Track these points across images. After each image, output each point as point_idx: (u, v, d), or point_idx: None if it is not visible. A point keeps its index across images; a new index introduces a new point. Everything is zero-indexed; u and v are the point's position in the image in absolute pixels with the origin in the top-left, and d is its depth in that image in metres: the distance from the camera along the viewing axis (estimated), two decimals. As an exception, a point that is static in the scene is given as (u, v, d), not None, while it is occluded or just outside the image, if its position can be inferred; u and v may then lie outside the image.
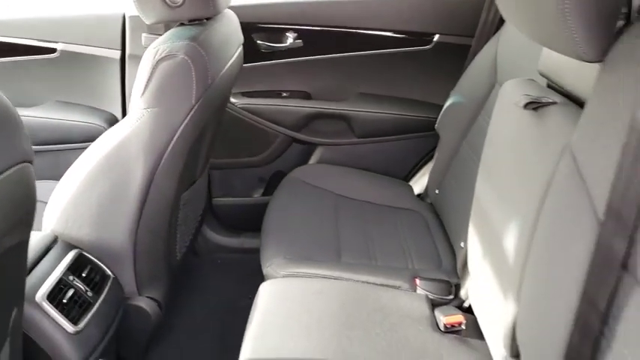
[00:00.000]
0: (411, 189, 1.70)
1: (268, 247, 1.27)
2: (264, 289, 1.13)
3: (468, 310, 1.15)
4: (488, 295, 0.98)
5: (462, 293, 1.22)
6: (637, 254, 0.57)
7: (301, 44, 1.64)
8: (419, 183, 1.76)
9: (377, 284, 1.19)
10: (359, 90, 1.72)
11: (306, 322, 1.02)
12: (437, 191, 1.53)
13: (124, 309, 1.13)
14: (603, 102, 0.66)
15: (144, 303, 1.17)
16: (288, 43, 1.63)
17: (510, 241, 0.88)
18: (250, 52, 1.58)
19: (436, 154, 1.58)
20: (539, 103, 0.83)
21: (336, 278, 1.19)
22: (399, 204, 1.56)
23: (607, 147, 0.60)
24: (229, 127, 1.67)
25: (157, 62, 1.00)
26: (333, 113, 1.70)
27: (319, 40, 1.64)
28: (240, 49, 1.35)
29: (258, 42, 1.64)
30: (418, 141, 1.73)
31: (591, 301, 0.60)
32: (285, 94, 1.70)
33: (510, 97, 0.95)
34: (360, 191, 1.57)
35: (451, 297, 1.20)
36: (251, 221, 1.64)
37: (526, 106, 0.84)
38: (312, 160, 1.76)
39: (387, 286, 1.20)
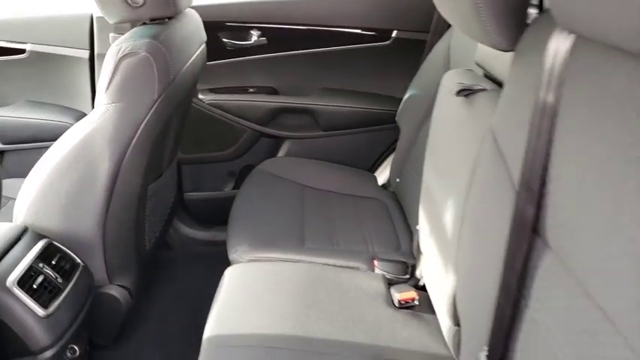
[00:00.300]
0: (375, 179, 1.77)
1: (234, 235, 1.34)
2: (229, 273, 1.19)
3: (423, 289, 1.22)
4: (435, 270, 1.06)
5: (418, 273, 1.29)
6: (545, 219, 0.64)
7: (265, 42, 1.70)
8: (383, 174, 1.84)
9: (337, 266, 1.26)
10: (323, 85, 1.79)
11: (268, 302, 1.09)
12: (398, 180, 1.61)
13: (95, 297, 1.17)
14: (515, 86, 0.74)
15: (114, 291, 1.22)
16: (252, 41, 1.70)
17: (448, 217, 0.96)
18: (217, 49, 1.64)
19: (397, 145, 1.66)
20: (469, 90, 0.91)
21: (298, 262, 1.26)
22: (363, 193, 1.63)
23: (519, 126, 0.68)
24: (198, 123, 1.73)
25: (120, 59, 1.06)
26: (299, 107, 1.77)
27: (283, 37, 1.71)
28: (203, 47, 1.41)
29: (224, 40, 1.70)
30: (381, 133, 1.81)
31: (511, 264, 0.67)
32: (251, 90, 1.76)
33: (449, 86, 1.03)
34: (325, 182, 1.64)
35: (407, 276, 1.27)
36: (222, 214, 1.69)
37: (458, 93, 0.92)
38: (280, 153, 1.83)
39: (346, 267, 1.27)
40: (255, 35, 1.70)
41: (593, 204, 0.54)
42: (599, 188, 0.53)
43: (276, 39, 1.71)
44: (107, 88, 1.07)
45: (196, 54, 1.31)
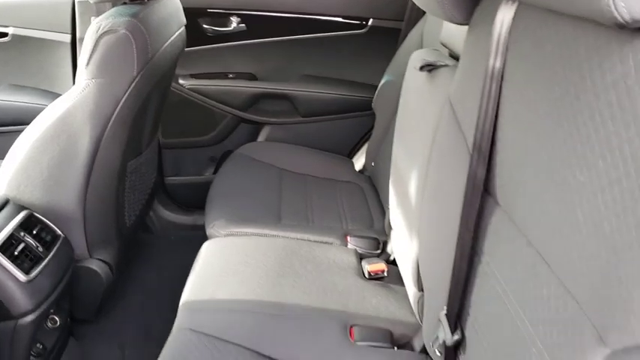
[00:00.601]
0: (352, 164, 1.82)
1: (212, 211, 1.38)
2: (206, 247, 1.23)
3: (394, 264, 1.28)
4: (402, 240, 1.12)
5: (389, 249, 1.35)
6: (494, 179, 0.69)
7: (245, 28, 1.75)
8: (360, 159, 1.89)
9: (311, 241, 1.31)
10: (301, 72, 1.84)
11: (243, 271, 1.13)
12: (373, 164, 1.66)
13: (75, 270, 1.21)
14: (469, 57, 0.79)
15: (95, 265, 1.25)
16: (232, 28, 1.74)
17: (412, 187, 1.01)
18: (197, 36, 1.68)
19: (373, 131, 1.71)
20: (432, 65, 0.97)
21: (274, 237, 1.30)
22: (340, 177, 1.68)
23: (472, 94, 0.73)
24: (179, 109, 1.76)
25: (100, 36, 1.09)
26: (278, 93, 1.81)
27: (262, 24, 1.76)
28: (182, 30, 1.45)
29: (204, 26, 1.74)
30: (358, 120, 1.86)
31: (465, 223, 0.72)
32: (231, 76, 1.80)
33: (416, 63, 1.09)
34: (303, 166, 1.68)
35: (378, 252, 1.33)
36: (202, 199, 1.72)
37: (421, 68, 0.98)
38: (260, 138, 1.87)
39: (320, 242, 1.32)
40: (234, 22, 1.74)
41: (532, 159, 0.59)
42: (537, 144, 0.58)
43: (256, 26, 1.75)
44: (87, 64, 1.10)
45: (175, 35, 1.35)
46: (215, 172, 1.90)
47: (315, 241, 1.31)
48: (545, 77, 0.57)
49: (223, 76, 1.80)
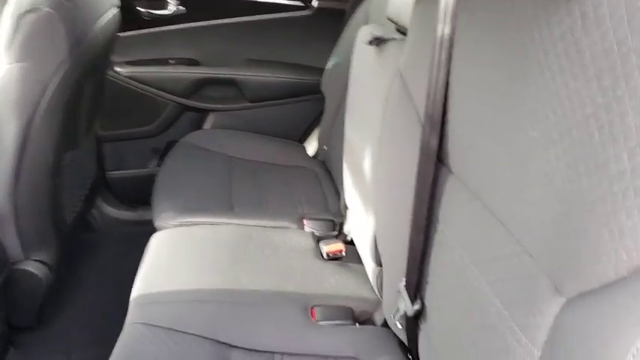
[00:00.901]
0: (304, 149, 1.79)
1: (159, 204, 1.31)
2: (155, 239, 1.17)
3: (351, 244, 1.26)
4: (358, 218, 1.10)
5: (345, 229, 1.33)
6: (447, 147, 0.69)
7: (184, 11, 1.67)
8: (312, 144, 1.86)
9: (267, 227, 1.27)
10: (246, 55, 1.78)
11: (196, 261, 1.08)
12: (325, 147, 1.64)
13: (10, 274, 1.11)
14: (418, 27, 0.78)
15: (31, 266, 1.16)
16: (170, 10, 1.65)
17: (366, 163, 1.00)
18: (132, 20, 1.59)
19: (323, 114, 1.69)
20: (380, 39, 0.95)
21: (227, 224, 1.25)
22: (292, 163, 1.64)
23: (422, 63, 0.72)
24: (116, 98, 1.66)
25: (21, 15, 1.00)
26: (223, 78, 1.75)
27: (203, 6, 1.68)
28: (116, 11, 1.35)
29: (140, 9, 1.64)
30: (309, 103, 1.82)
31: (420, 194, 0.71)
32: (171, 62, 1.72)
33: (364, 38, 1.07)
34: (254, 153, 1.63)
35: (335, 233, 1.31)
36: (147, 193, 1.64)
37: (370, 42, 0.96)
38: (206, 126, 1.80)
39: (276, 227, 1.28)
40: (173, 4, 1.66)
41: (484, 123, 0.59)
42: (489, 107, 0.58)
43: (197, 8, 1.68)
44: (8, 46, 1.00)
45: (107, 16, 1.26)
46: (159, 164, 1.81)
47: (270, 227, 1.28)
48: (495, 40, 0.57)
49: (163, 62, 1.72)
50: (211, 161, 1.54)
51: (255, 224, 1.28)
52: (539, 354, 0.50)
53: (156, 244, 1.15)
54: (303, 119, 1.86)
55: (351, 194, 1.16)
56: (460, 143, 0.65)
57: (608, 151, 0.41)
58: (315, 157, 1.74)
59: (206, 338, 0.87)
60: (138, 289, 0.99)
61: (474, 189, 0.62)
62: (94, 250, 1.64)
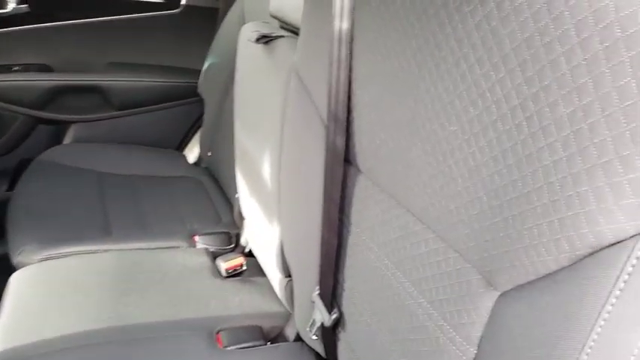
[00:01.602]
0: (184, 157, 1.67)
1: (16, 235, 1.10)
2: (15, 279, 0.97)
3: (251, 255, 1.19)
4: (259, 229, 1.03)
5: (243, 240, 1.25)
6: (354, 146, 0.65)
7: (27, 9, 1.44)
8: (193, 151, 1.74)
9: (153, 249, 1.14)
10: (109, 59, 1.60)
11: (72, 299, 0.92)
12: (209, 154, 1.54)
13: None
14: (311, 23, 0.73)
15: None
16: (9, 9, 1.42)
17: (266, 170, 0.93)
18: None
19: (204, 118, 1.58)
20: (268, 37, 0.89)
21: (105, 252, 1.10)
22: (173, 173, 1.51)
23: (320, 60, 0.68)
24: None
25: None
26: (83, 85, 1.55)
27: (51, 4, 1.47)
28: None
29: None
30: (185, 108, 1.70)
31: (330, 196, 0.67)
32: (16, 68, 1.48)
33: (248, 37, 1.00)
34: (128, 166, 1.47)
35: (232, 246, 1.22)
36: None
37: (258, 40, 0.89)
38: (66, 140, 1.58)
39: (165, 248, 1.15)
40: (12, 2, 1.42)
41: (393, 118, 0.56)
42: (397, 101, 0.55)
43: (43, 6, 1.46)
44: None
45: None
46: (11, 188, 1.55)
47: (157, 249, 1.15)
48: (399, 31, 0.54)
49: (6, 69, 1.47)
50: (77, 180, 1.35)
51: (140, 247, 1.14)
52: (474, 351, 0.49)
53: (17, 285, 0.95)
54: (180, 125, 1.73)
55: (248, 202, 1.09)
56: (368, 141, 0.63)
57: (540, 142, 0.40)
58: (197, 164, 1.63)
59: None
60: (0, 343, 0.81)
61: (386, 187, 0.60)
62: None
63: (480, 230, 0.46)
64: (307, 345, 0.88)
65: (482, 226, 0.46)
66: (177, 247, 1.17)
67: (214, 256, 1.15)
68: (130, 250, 1.11)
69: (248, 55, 1.03)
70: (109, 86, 1.57)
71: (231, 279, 1.08)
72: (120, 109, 1.62)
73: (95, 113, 1.59)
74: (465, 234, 0.48)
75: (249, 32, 1.02)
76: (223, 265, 1.09)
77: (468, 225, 0.48)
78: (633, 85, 0.33)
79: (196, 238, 1.20)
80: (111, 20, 1.55)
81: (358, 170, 0.66)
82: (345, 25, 0.61)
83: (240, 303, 1.00)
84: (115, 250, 1.10)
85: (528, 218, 0.41)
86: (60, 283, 0.96)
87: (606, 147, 0.35)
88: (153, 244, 1.16)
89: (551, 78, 0.38)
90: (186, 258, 1.11)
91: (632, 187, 0.34)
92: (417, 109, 0.53)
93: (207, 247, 1.18)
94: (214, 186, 1.47)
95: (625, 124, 0.34)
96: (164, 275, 1.03)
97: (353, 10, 0.61)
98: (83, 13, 1.52)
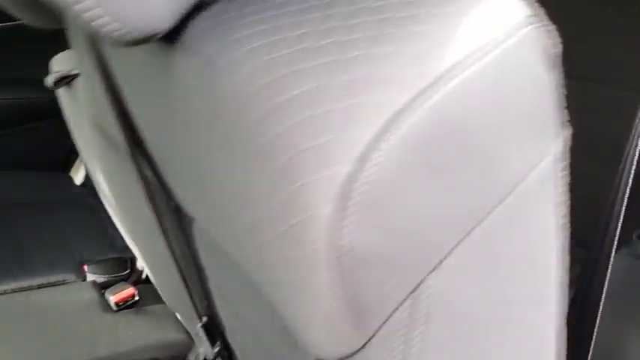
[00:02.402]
0: (69, 179, 1.54)
1: None
2: None
3: (148, 281, 1.12)
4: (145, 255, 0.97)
5: (139, 264, 1.18)
6: (175, 194, 0.56)
7: None
8: (80, 171, 1.61)
9: (34, 287, 1.04)
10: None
11: None
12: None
13: None
14: (80, 61, 0.59)
15: None
16: None
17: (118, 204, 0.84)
18: None
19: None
20: (69, 76, 0.66)
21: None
22: (57, 198, 1.39)
23: (106, 105, 0.53)
24: None
25: None
26: None
27: None
28: None
29: None
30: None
31: (162, 228, 0.58)
32: None
33: (49, 81, 0.75)
34: (3, 195, 1.33)
35: (127, 272, 1.15)
36: None
37: (57, 84, 0.68)
38: None
39: (48, 285, 1.06)
40: None
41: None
42: (162, 115, 0.44)
43: None
44: None
45: None
46: None
47: (39, 286, 1.05)
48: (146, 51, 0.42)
49: None
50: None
51: (20, 287, 1.04)
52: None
53: None
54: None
55: (119, 224, 1.00)
56: (180, 183, 0.54)
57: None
58: (84, 185, 1.51)
59: None
60: None
61: (220, 243, 0.47)
62: None
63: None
64: (209, 370, 0.84)
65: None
66: (63, 281, 1.08)
67: (104, 287, 1.07)
68: (6, 293, 1.01)
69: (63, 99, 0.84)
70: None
71: (123, 312, 1.01)
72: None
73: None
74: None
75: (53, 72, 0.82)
76: (112, 298, 1.01)
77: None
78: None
79: (86, 267, 1.11)
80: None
81: (172, 197, 0.54)
82: (95, 57, 0.51)
83: (134, 337, 0.94)
84: (-13, 295, 0.99)
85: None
86: None
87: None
88: (35, 281, 1.06)
89: None
90: (71, 294, 1.02)
91: None
92: (172, 119, 0.42)
93: (98, 276, 1.10)
94: (105, 208, 1.37)
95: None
96: (44, 320, 0.95)
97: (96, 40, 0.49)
98: None
